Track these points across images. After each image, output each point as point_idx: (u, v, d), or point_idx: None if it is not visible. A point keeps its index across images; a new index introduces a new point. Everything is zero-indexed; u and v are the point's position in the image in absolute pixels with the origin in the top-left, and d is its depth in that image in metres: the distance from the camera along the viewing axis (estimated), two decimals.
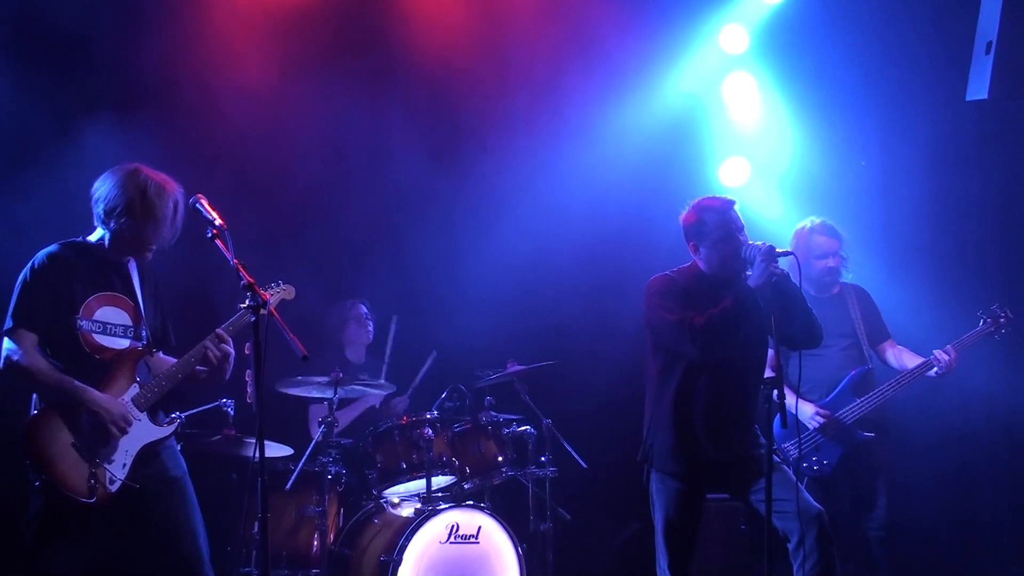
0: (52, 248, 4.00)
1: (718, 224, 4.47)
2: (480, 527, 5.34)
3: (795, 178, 6.95)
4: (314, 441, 5.56)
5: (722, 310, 4.33)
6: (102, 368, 3.94)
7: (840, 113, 6.85)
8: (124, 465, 3.91)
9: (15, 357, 3.85)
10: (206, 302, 5.30)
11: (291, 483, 5.41)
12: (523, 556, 5.38)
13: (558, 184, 6.77)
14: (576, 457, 5.96)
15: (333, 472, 5.53)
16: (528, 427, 5.80)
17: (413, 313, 6.53)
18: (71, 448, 3.81)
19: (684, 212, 4.60)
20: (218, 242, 3.75)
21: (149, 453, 3.99)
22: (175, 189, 4.04)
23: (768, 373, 4.68)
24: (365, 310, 6.41)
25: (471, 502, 5.49)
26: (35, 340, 3.88)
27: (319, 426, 5.57)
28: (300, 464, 5.45)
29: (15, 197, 5.30)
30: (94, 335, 3.95)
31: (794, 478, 4.41)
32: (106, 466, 3.86)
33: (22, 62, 5.52)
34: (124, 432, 3.91)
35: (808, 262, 5.53)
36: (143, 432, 3.98)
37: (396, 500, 5.68)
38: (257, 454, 3.59)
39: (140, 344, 4.06)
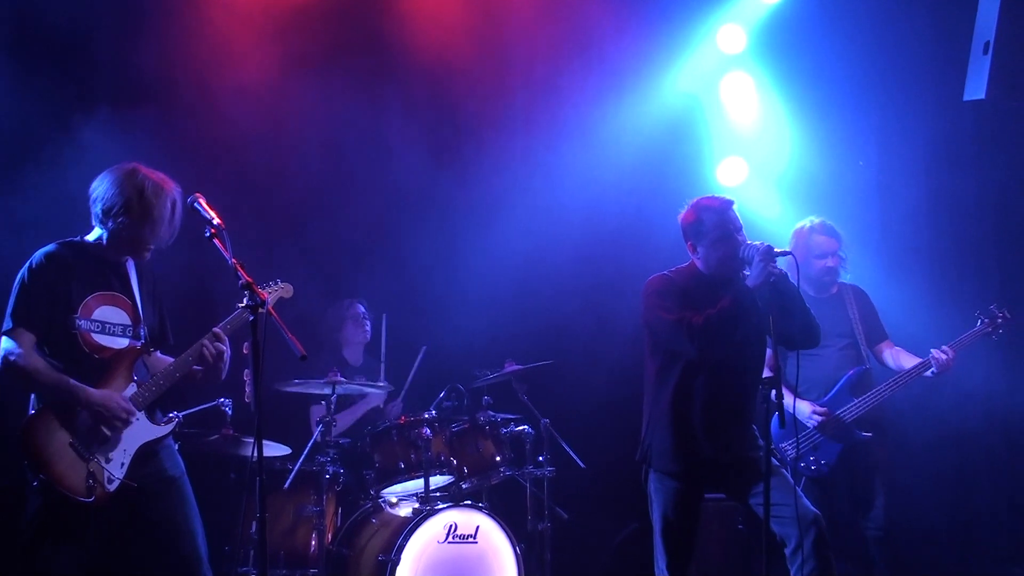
0: (50, 248, 4.00)
1: (716, 224, 4.47)
2: (478, 527, 5.34)
3: (793, 178, 6.96)
4: (312, 440, 5.56)
5: (720, 310, 4.33)
6: (100, 367, 3.94)
7: (838, 113, 6.85)
8: (122, 464, 3.90)
9: (13, 357, 3.84)
10: (205, 301, 5.30)
11: (289, 483, 5.41)
12: (521, 556, 5.38)
13: (556, 184, 6.77)
14: (574, 457, 5.96)
15: (331, 472, 5.53)
16: (526, 427, 5.80)
17: (412, 313, 6.53)
18: (69, 447, 3.81)
19: (682, 212, 4.60)
20: (216, 241, 3.74)
21: (147, 452, 3.99)
22: (173, 189, 4.04)
23: (766, 373, 4.69)
24: (363, 310, 6.41)
25: (469, 502, 5.49)
26: (33, 340, 3.87)
27: (317, 426, 5.57)
28: (298, 464, 5.44)
29: (15, 196, 5.29)
30: (92, 334, 3.95)
31: (792, 482, 4.40)
32: (104, 465, 3.86)
33: (22, 60, 5.52)
34: (127, 423, 3.91)
35: (807, 262, 5.54)
36: (141, 431, 3.98)
37: (394, 500, 5.69)
38: (255, 454, 3.58)
39: (138, 343, 4.06)
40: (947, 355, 5.41)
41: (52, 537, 3.81)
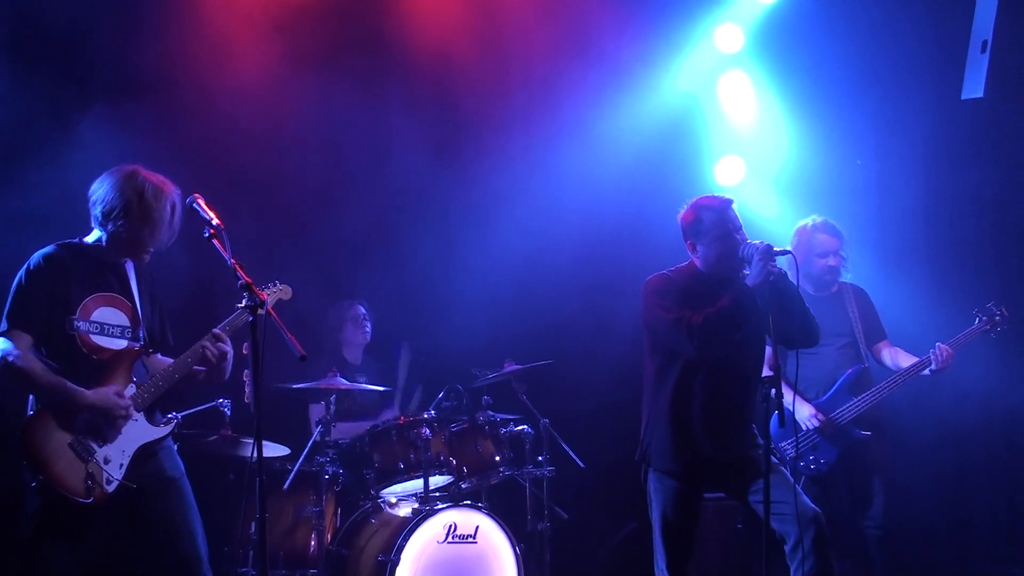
0: (48, 249, 3.99)
1: (716, 223, 4.47)
2: (478, 527, 5.33)
3: (790, 177, 6.96)
4: (311, 441, 5.56)
5: (719, 309, 4.33)
6: (99, 368, 3.93)
7: (835, 112, 6.85)
8: (121, 465, 3.90)
9: (10, 358, 3.83)
10: (204, 302, 5.30)
11: (288, 483, 5.41)
12: (521, 556, 5.38)
13: (555, 183, 6.77)
14: (573, 456, 5.96)
15: (331, 472, 5.53)
16: (525, 426, 5.80)
17: (411, 312, 6.52)
18: (67, 448, 3.81)
19: (682, 211, 4.60)
20: (215, 242, 3.74)
21: (146, 453, 3.99)
22: (173, 191, 4.03)
23: (766, 372, 4.69)
24: (363, 311, 6.41)
25: (469, 502, 5.49)
26: (30, 341, 3.87)
27: (317, 426, 5.57)
28: (297, 464, 5.44)
29: (14, 194, 5.29)
30: (91, 336, 3.94)
31: (791, 480, 4.41)
32: (103, 466, 3.86)
33: (21, 59, 5.51)
34: (127, 417, 3.90)
35: (809, 260, 5.55)
36: (140, 432, 3.98)
37: (394, 500, 5.68)
38: (255, 454, 3.58)
39: (137, 344, 4.05)
40: (947, 350, 5.41)
41: (51, 537, 3.81)
